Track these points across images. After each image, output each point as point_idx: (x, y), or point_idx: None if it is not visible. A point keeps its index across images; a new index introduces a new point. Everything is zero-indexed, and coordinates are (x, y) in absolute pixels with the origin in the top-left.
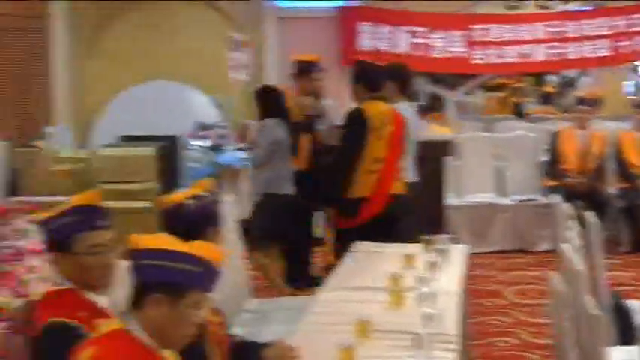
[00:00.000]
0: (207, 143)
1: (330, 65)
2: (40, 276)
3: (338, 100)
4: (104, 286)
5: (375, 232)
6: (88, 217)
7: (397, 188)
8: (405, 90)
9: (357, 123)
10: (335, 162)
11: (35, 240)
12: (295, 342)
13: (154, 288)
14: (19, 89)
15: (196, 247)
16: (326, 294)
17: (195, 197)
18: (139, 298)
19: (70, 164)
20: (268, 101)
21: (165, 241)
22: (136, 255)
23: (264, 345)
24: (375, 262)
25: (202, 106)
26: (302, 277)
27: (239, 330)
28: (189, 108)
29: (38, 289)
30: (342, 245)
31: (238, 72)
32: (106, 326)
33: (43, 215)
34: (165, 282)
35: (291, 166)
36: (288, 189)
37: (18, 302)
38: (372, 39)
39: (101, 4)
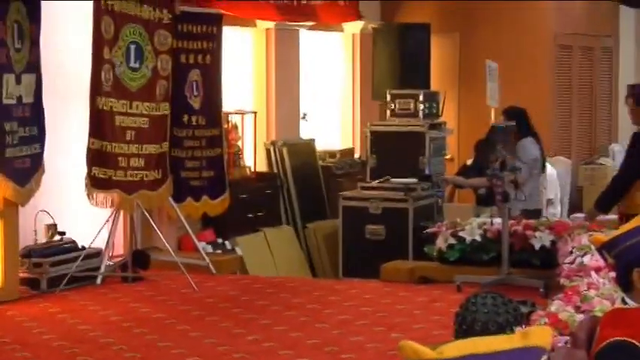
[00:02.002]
0: None
1: None
2: (601, 293)
3: None
4: None
5: None
6: None
7: None
8: None
9: None
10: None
11: (597, 256)
12: None
13: None
14: (584, 107)
15: None
16: None
17: None
18: None
19: None
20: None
21: None
22: None
23: None
24: None
25: None
26: None
27: None
28: None
29: (600, 305)
30: None
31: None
32: None
33: (613, 233)
34: None
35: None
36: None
37: (580, 318)
38: None
39: None
